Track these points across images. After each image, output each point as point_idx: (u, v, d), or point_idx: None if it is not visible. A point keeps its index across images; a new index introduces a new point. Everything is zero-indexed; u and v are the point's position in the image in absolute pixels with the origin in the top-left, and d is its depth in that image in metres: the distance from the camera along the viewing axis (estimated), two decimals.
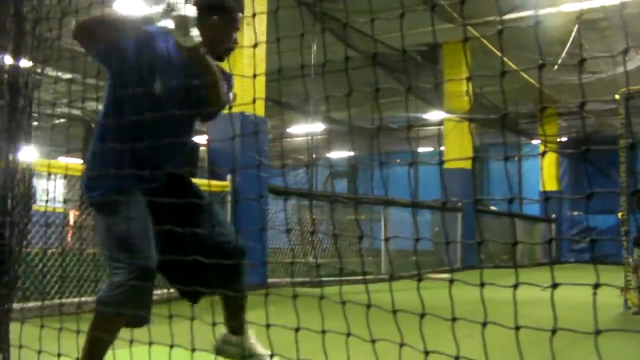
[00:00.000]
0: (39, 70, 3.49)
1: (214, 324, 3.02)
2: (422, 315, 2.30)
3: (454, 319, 2.23)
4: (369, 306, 2.47)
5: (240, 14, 3.46)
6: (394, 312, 2.38)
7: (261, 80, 9.10)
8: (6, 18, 3.33)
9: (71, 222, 9.07)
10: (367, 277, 11.59)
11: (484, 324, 2.15)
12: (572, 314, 3.52)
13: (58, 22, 3.59)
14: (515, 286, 2.12)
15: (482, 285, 2.19)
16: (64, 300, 6.60)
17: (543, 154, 21.89)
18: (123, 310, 3.05)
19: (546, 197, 19.98)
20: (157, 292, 5.33)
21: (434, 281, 4.09)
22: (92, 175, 3.34)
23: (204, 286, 3.22)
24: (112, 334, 3.12)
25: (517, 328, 2.07)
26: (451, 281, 2.31)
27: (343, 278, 10.65)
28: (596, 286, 1.90)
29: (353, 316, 2.53)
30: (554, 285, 1.99)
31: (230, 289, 3.35)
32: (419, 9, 11.73)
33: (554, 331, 1.95)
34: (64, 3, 3.67)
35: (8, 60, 3.36)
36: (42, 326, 3.42)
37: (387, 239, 11.50)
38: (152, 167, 3.30)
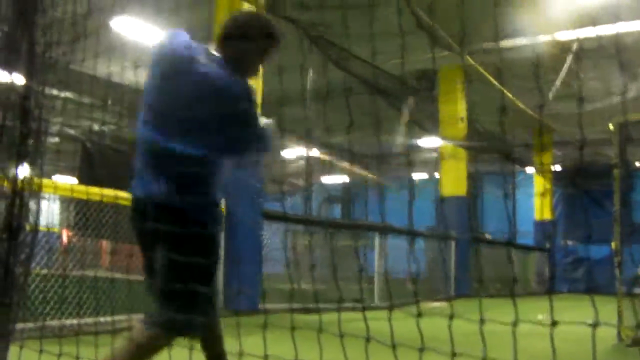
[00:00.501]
0: (48, 93, 3.50)
1: (191, 348, 3.01)
2: (422, 350, 2.27)
3: (454, 354, 2.20)
4: (368, 339, 2.45)
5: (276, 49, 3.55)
6: (393, 346, 2.35)
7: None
8: (18, 40, 3.34)
9: (64, 241, 9.06)
10: (360, 305, 11.52)
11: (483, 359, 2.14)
12: (566, 347, 3.49)
13: (69, 46, 3.61)
14: (515, 323, 2.10)
15: (482, 321, 2.17)
16: (63, 322, 6.56)
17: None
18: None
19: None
20: None
21: (429, 309, 4.07)
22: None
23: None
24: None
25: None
26: (451, 317, 2.28)
27: (334, 306, 10.58)
28: (595, 325, 1.88)
29: (335, 345, 2.50)
30: (554, 323, 1.98)
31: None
32: (393, 30, 11.77)
33: None
34: (76, 28, 3.69)
35: (19, 81, 3.36)
36: (41, 350, 3.40)
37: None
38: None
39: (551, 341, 1.90)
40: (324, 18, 10.61)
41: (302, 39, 10.62)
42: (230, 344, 3.32)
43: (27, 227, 3.38)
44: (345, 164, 24.79)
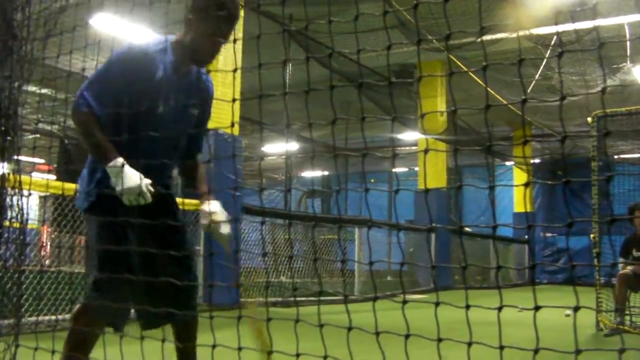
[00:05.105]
0: (24, 89, 3.48)
1: (163, 340, 3.02)
2: (407, 336, 2.28)
3: (439, 340, 2.21)
4: (350, 328, 2.45)
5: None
6: (377, 333, 2.36)
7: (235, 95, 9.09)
8: None
9: (44, 238, 9.01)
10: (340, 297, 11.55)
11: (469, 344, 2.15)
12: (545, 335, 3.52)
13: (43, 42, 3.59)
14: (500, 308, 2.12)
15: (467, 307, 2.18)
16: (40, 318, 6.54)
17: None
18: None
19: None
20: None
21: (410, 302, 4.08)
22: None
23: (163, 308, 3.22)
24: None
25: (502, 348, 2.07)
26: (437, 304, 2.29)
27: (315, 299, 10.61)
28: (576, 309, 1.89)
29: (314, 337, 2.51)
30: (536, 308, 1.99)
31: (184, 312, 3.33)
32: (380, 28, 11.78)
33: (536, 351, 1.94)
34: (50, 24, 3.67)
35: None
36: (17, 345, 3.39)
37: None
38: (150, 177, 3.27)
39: (535, 327, 1.91)
40: (302, 12, 10.62)
41: (280, 33, 10.62)
42: (207, 338, 3.33)
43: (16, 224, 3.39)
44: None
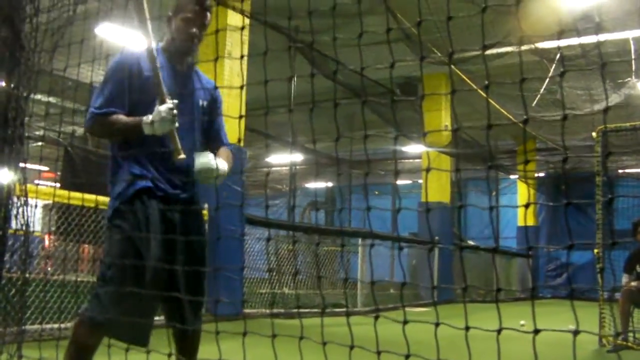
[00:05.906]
0: (31, 97, 3.51)
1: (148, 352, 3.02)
2: (407, 357, 2.28)
3: None
4: (352, 347, 2.45)
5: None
6: (379, 352, 2.35)
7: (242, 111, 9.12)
8: (3, 47, 3.35)
9: (47, 245, 9.03)
10: (342, 309, 11.54)
11: None
12: (548, 350, 3.51)
13: (50, 53, 3.63)
14: (499, 331, 2.12)
15: (467, 329, 2.18)
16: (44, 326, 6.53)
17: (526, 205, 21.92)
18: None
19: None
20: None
21: (412, 315, 4.07)
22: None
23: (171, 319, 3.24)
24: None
25: None
26: (437, 324, 2.29)
27: (318, 310, 10.59)
28: (576, 333, 1.89)
29: (318, 350, 2.50)
30: (536, 332, 1.99)
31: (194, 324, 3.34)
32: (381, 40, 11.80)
33: None
34: (56, 36, 3.71)
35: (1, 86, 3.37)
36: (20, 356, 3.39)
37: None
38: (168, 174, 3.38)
39: (533, 347, 1.91)
40: (307, 24, 10.62)
41: (286, 51, 10.64)
42: (210, 350, 3.34)
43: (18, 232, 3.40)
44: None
